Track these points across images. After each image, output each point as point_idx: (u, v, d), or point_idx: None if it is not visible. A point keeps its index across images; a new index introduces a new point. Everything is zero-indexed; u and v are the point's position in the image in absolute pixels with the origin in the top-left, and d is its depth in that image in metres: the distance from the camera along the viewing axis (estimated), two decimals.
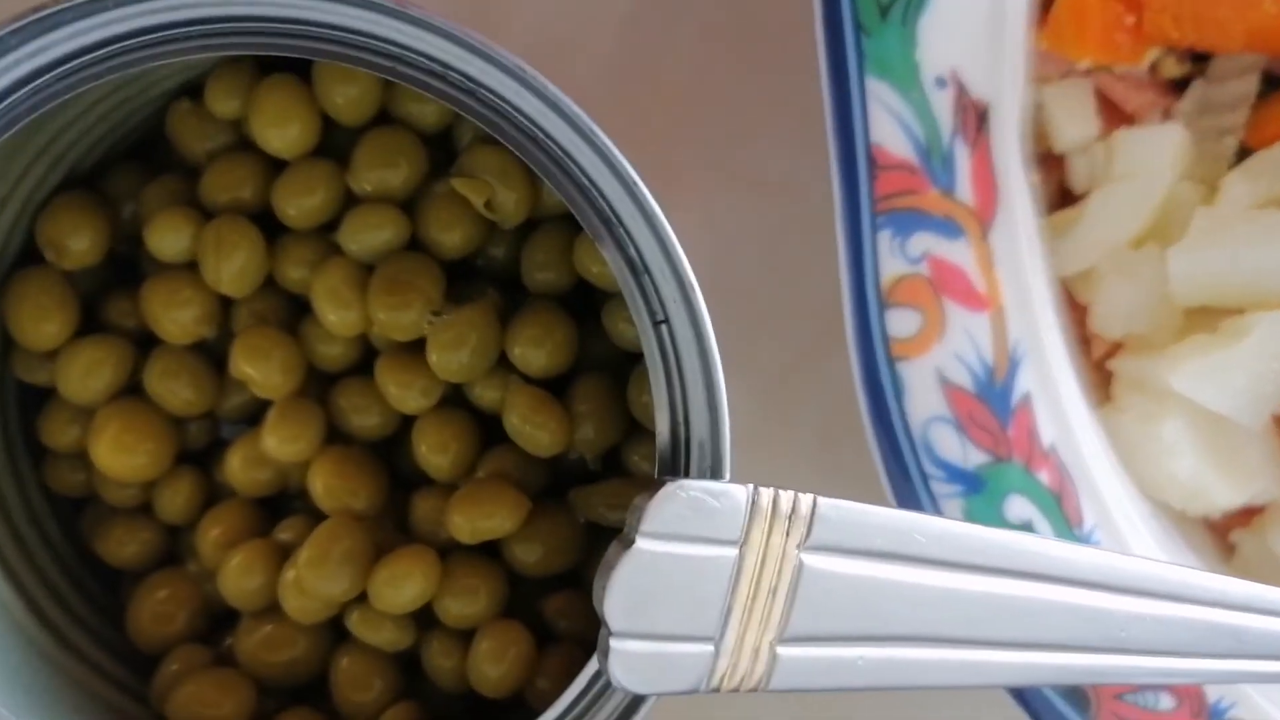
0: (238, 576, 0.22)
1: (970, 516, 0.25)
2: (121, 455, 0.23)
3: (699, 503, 0.17)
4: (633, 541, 0.16)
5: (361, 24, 0.17)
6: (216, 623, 0.23)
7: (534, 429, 0.21)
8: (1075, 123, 0.29)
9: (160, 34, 0.17)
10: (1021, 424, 0.25)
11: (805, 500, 0.18)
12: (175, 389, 0.23)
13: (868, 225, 0.24)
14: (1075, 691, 0.27)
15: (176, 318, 0.22)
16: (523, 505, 0.21)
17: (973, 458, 0.25)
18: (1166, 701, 0.27)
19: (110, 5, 0.16)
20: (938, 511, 0.25)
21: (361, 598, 0.21)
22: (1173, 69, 0.30)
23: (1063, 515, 0.26)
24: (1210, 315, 0.29)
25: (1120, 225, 0.28)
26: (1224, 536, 0.32)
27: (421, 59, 0.16)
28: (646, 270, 0.17)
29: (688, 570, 0.17)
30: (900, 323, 0.24)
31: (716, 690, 0.18)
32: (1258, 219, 0.27)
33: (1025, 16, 0.25)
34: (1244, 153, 0.29)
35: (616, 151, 0.17)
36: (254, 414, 0.23)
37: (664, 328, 0.18)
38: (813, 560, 0.18)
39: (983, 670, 0.19)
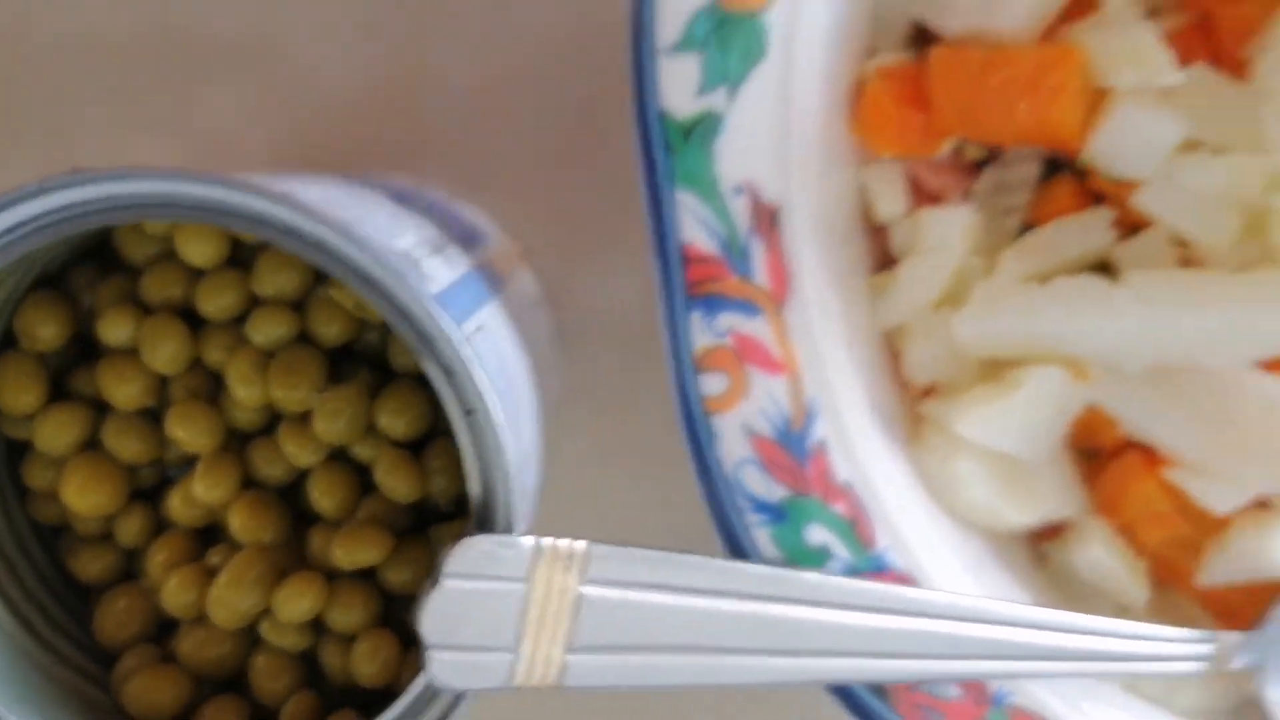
0: (177, 592, 0.28)
1: (777, 541, 0.31)
2: (86, 495, 0.29)
3: (491, 552, 0.22)
4: (439, 581, 0.22)
5: (200, 193, 0.22)
6: (162, 628, 0.29)
7: (396, 482, 0.27)
8: (888, 200, 0.35)
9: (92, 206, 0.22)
10: (817, 465, 0.31)
11: (580, 545, 0.23)
12: (126, 444, 0.29)
13: (682, 306, 0.30)
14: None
15: (125, 390, 0.28)
16: (389, 541, 0.27)
17: (776, 493, 0.31)
18: (954, 690, 0.33)
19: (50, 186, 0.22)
20: (751, 538, 0.31)
21: (270, 610, 0.27)
22: (973, 153, 0.35)
23: (856, 539, 0.31)
24: (1000, 365, 0.34)
25: (923, 290, 0.34)
26: (1038, 548, 0.38)
27: (248, 214, 0.22)
28: (453, 374, 0.23)
29: (486, 600, 0.23)
30: (711, 384, 0.30)
31: (517, 688, 0.24)
32: (1024, 291, 0.32)
33: (811, 133, 0.31)
34: (1028, 228, 0.35)
35: (425, 290, 0.22)
36: (190, 461, 0.29)
37: (472, 416, 0.23)
38: (589, 590, 0.24)
39: (735, 672, 0.25)
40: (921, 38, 0.35)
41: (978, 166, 0.35)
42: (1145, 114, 0.31)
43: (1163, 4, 0.33)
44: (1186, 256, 0.33)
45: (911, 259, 0.34)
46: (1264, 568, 0.34)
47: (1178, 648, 0.30)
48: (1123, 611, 0.36)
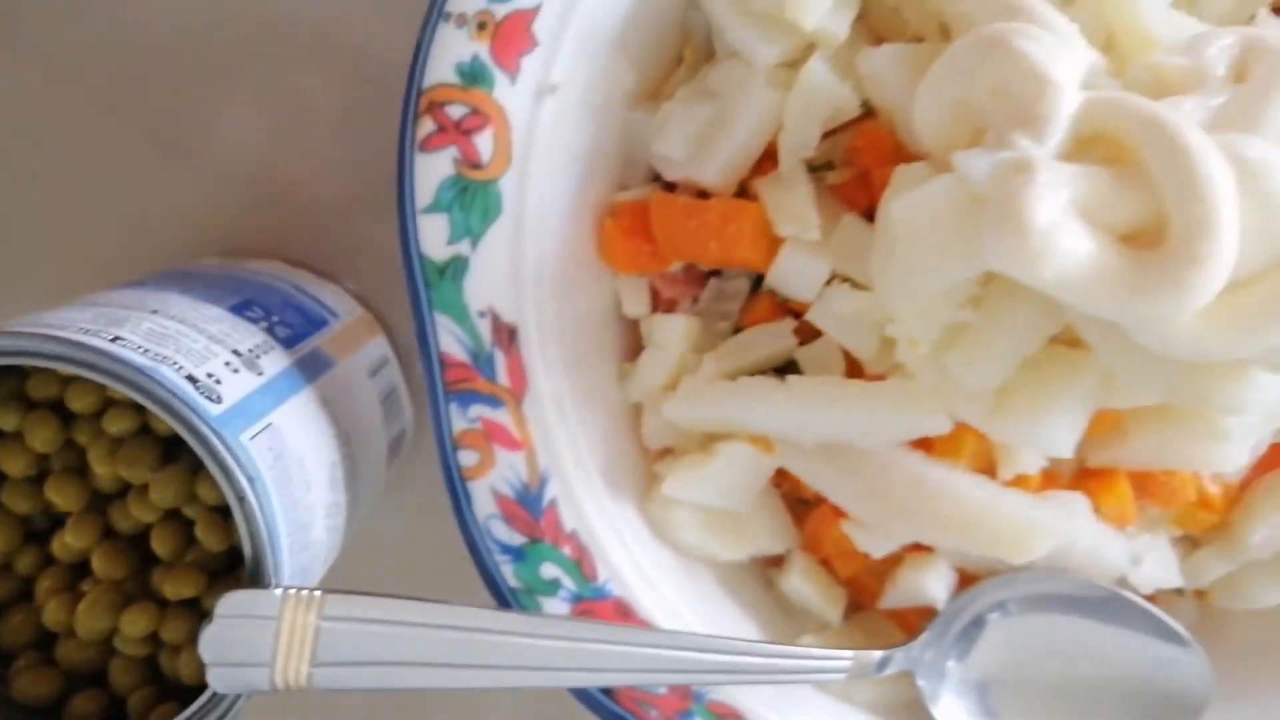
0: (55, 612, 0.38)
1: (518, 575, 0.40)
2: None
3: (250, 598, 0.32)
4: (210, 619, 0.32)
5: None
6: (47, 637, 0.39)
7: (210, 536, 0.36)
8: (633, 303, 0.44)
9: None
10: (549, 518, 0.40)
11: (317, 592, 0.33)
12: (18, 502, 0.38)
13: (443, 400, 0.39)
14: None
15: (15, 464, 0.38)
16: (204, 579, 0.36)
17: (516, 539, 0.40)
18: (662, 687, 0.42)
19: None
20: (501, 573, 0.40)
21: (119, 628, 0.37)
22: (703, 267, 0.44)
23: (581, 574, 0.41)
24: (713, 436, 0.43)
25: (654, 376, 0.43)
26: (767, 574, 0.47)
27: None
28: (227, 472, 0.32)
29: (248, 630, 0.32)
30: (466, 458, 0.39)
31: (276, 691, 0.33)
32: (717, 386, 0.41)
33: (547, 265, 0.40)
34: (739, 330, 0.44)
35: (203, 413, 0.32)
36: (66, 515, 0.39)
37: (243, 501, 0.33)
38: (325, 623, 0.33)
39: (449, 678, 0.35)
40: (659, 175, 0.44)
41: (707, 276, 0.45)
42: (802, 255, 0.40)
43: (837, 160, 0.42)
44: (854, 359, 0.42)
45: (647, 351, 0.44)
46: (921, 596, 0.43)
47: (820, 664, 0.40)
48: (824, 627, 0.46)
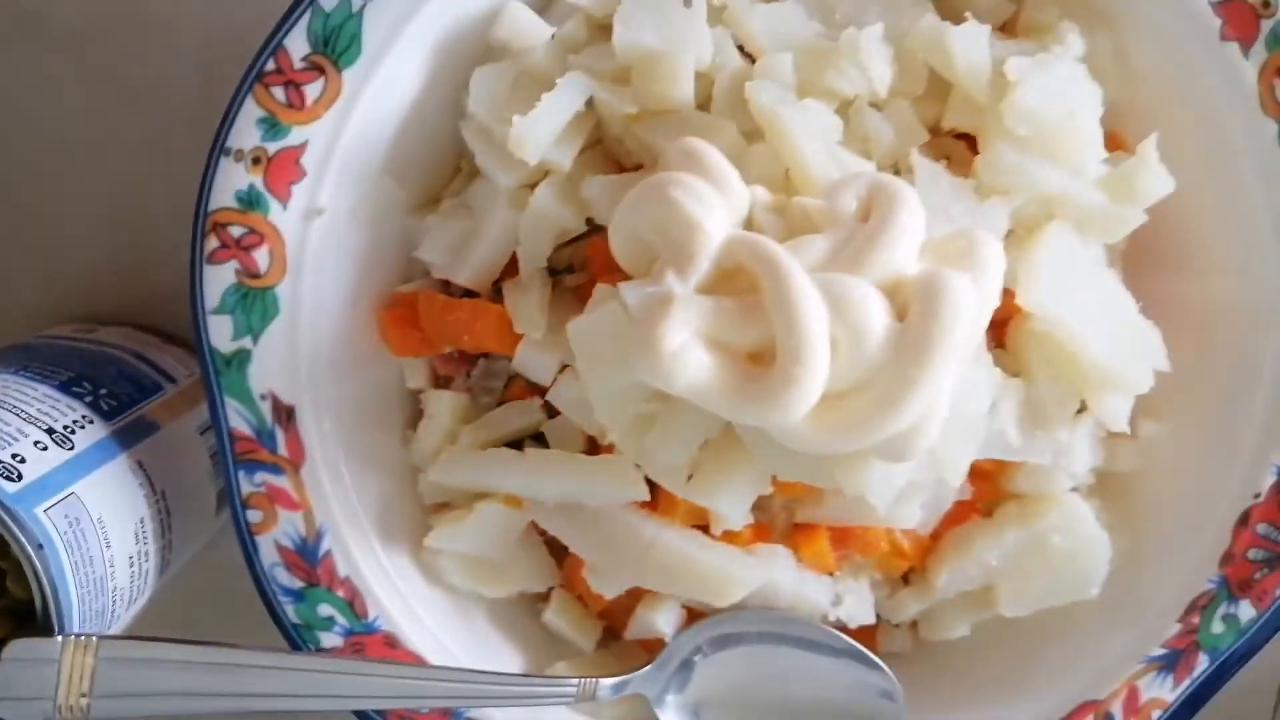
0: None
1: (298, 614, 0.48)
2: None
3: (31, 645, 0.40)
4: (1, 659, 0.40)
5: None
6: None
7: (16, 587, 0.43)
8: (414, 378, 0.51)
9: None
10: (325, 565, 0.48)
11: (95, 638, 0.40)
12: None
13: (232, 468, 0.47)
14: None
15: None
16: (11, 624, 0.44)
17: (296, 584, 0.48)
18: (425, 708, 0.50)
19: None
20: (285, 612, 0.48)
21: None
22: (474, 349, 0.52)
23: (354, 612, 0.48)
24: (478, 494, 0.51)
25: (429, 443, 0.51)
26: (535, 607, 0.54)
27: None
28: (19, 543, 0.40)
29: (33, 671, 0.40)
30: (253, 516, 0.47)
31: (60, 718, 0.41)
32: (471, 454, 0.49)
33: (324, 353, 0.47)
34: (503, 404, 0.51)
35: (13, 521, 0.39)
36: None
37: (32, 564, 0.40)
38: (102, 665, 0.41)
39: (213, 705, 0.42)
40: None
41: (478, 357, 0.52)
42: (535, 349, 0.47)
43: (576, 264, 0.49)
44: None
45: (423, 421, 0.51)
46: (653, 630, 0.51)
47: (548, 690, 0.48)
48: (578, 654, 0.53)
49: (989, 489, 0.52)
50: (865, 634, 0.54)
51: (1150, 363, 0.47)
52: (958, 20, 0.49)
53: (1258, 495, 0.50)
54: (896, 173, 0.46)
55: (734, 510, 0.45)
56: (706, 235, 0.40)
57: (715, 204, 0.41)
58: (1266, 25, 0.46)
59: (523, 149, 0.44)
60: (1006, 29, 0.50)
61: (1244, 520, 0.50)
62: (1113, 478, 0.54)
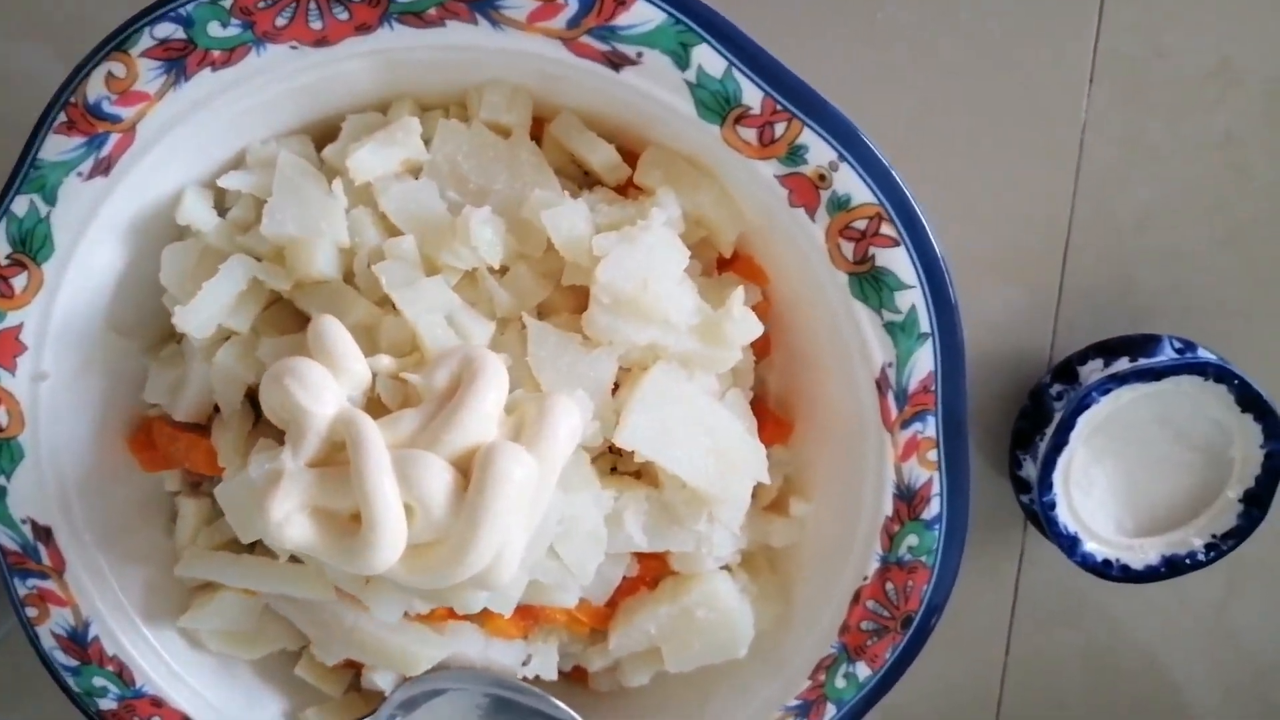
0: None
1: (78, 685, 0.59)
2: None
3: None
4: None
5: None
6: None
7: None
8: (171, 483, 0.61)
9: None
10: (95, 647, 0.59)
11: None
12: None
13: (9, 575, 0.57)
14: None
15: None
16: None
17: (73, 662, 0.59)
18: None
19: None
20: (67, 682, 0.59)
21: None
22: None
23: (123, 681, 0.60)
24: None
25: (182, 540, 0.61)
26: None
27: None
28: None
29: None
30: (31, 612, 0.58)
31: None
32: (204, 555, 0.59)
33: (68, 483, 0.57)
34: None
35: None
36: None
37: None
38: None
39: None
40: None
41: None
42: (236, 487, 0.57)
43: None
44: None
45: (178, 519, 0.61)
46: (375, 686, 0.61)
47: None
48: (326, 699, 0.64)
49: (657, 565, 0.61)
50: (580, 676, 0.65)
51: (750, 477, 0.55)
52: (585, 179, 0.56)
53: (865, 578, 0.58)
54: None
55: (389, 615, 0.54)
56: (314, 417, 0.49)
57: (326, 386, 0.49)
58: (825, 194, 0.51)
59: (187, 328, 0.52)
60: (623, 190, 0.56)
61: (856, 597, 0.58)
62: (771, 551, 0.62)
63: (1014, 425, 0.68)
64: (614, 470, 0.59)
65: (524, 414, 0.50)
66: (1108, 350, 0.66)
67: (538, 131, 0.57)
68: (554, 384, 0.52)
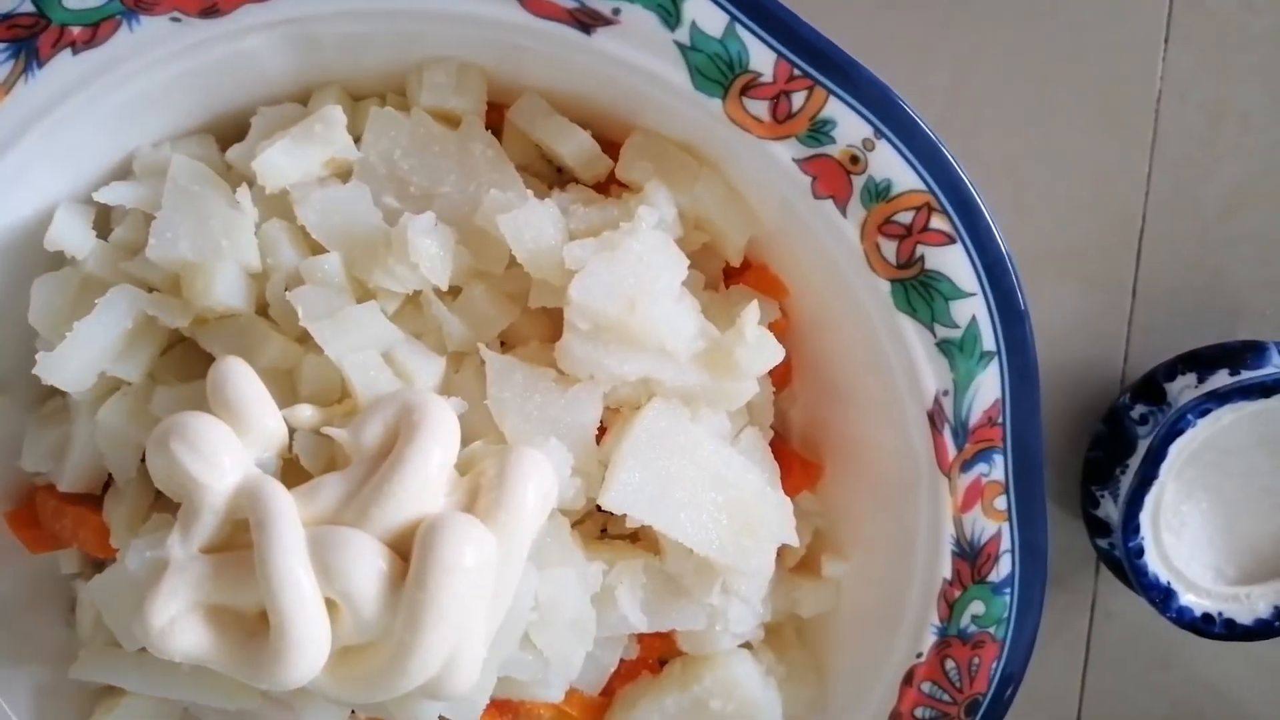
0: None
1: None
2: None
3: None
4: None
5: None
6: None
7: None
8: (68, 564, 0.50)
9: None
10: None
11: None
12: None
13: None
14: None
15: None
16: None
17: None
18: None
19: None
20: None
21: None
22: None
23: None
24: None
25: (84, 630, 0.50)
26: None
27: None
28: None
29: None
30: None
31: None
32: (105, 655, 0.48)
33: None
34: None
35: None
36: None
37: None
38: None
39: None
40: None
41: None
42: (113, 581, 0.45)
43: None
44: None
45: (77, 609, 0.50)
46: None
47: None
48: None
49: (662, 644, 0.50)
50: None
51: (773, 540, 0.44)
52: (557, 176, 0.45)
53: (920, 655, 0.46)
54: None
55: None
56: (208, 491, 0.38)
57: (226, 449, 0.38)
58: (859, 181, 0.40)
59: (55, 380, 0.42)
60: (604, 188, 0.45)
61: (909, 679, 0.47)
62: (800, 621, 0.51)
63: (1086, 455, 0.57)
64: (604, 533, 0.48)
65: (481, 475, 0.39)
66: (1200, 362, 0.54)
67: (495, 120, 0.46)
68: (521, 433, 0.41)
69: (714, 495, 0.43)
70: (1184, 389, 0.53)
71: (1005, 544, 0.45)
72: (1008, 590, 0.45)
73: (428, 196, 0.43)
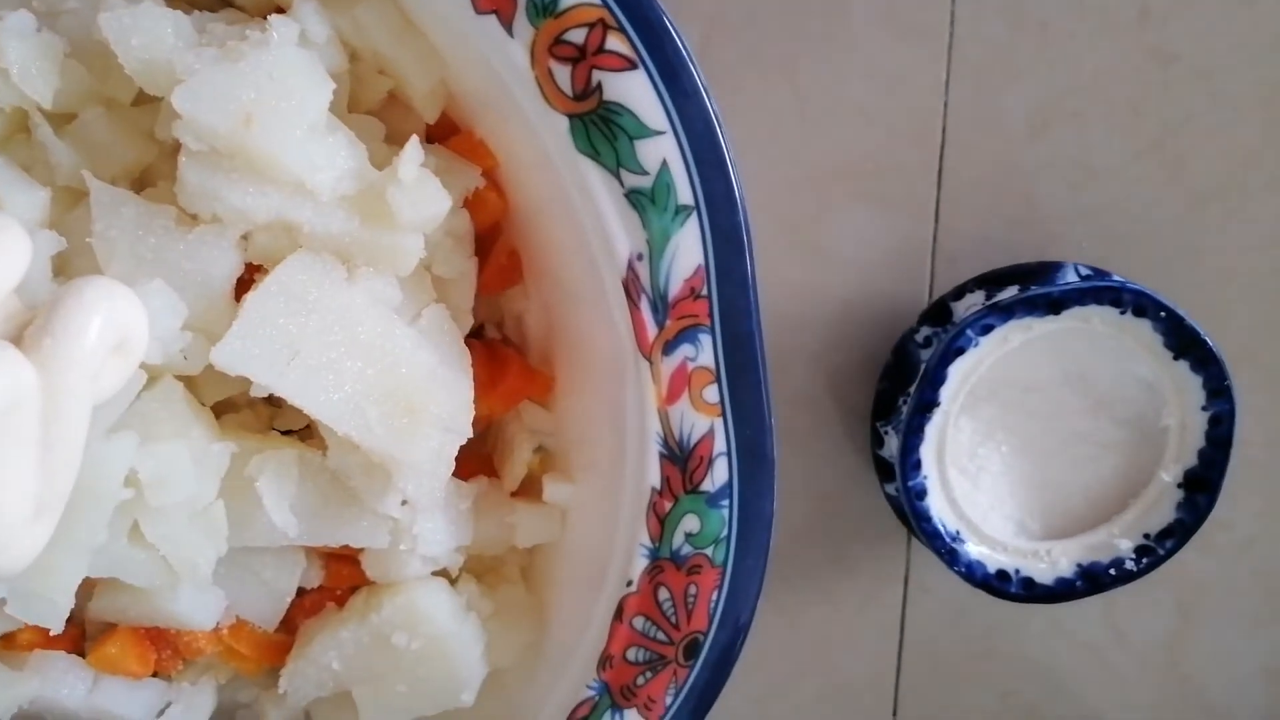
0: None
1: None
2: None
3: None
4: None
5: None
6: None
7: None
8: None
9: None
10: None
11: None
12: None
13: None
14: None
15: None
16: None
17: None
18: None
19: None
20: None
21: None
22: None
23: None
24: None
25: None
26: None
27: None
28: None
29: None
30: None
31: None
32: None
33: None
34: None
35: None
36: None
37: None
38: None
39: None
40: None
41: None
42: None
43: None
44: None
45: None
46: None
47: None
48: None
49: (352, 571, 0.43)
50: None
51: (443, 428, 0.37)
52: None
53: (630, 583, 0.40)
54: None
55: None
56: None
57: None
58: None
59: None
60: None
61: (619, 613, 0.40)
62: (523, 555, 0.44)
63: (876, 390, 0.51)
64: (272, 431, 0.41)
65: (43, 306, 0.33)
66: (992, 281, 0.49)
67: None
68: (131, 280, 0.35)
69: (361, 366, 0.36)
70: (971, 307, 0.47)
71: (720, 445, 0.38)
72: (725, 503, 0.39)
73: (52, 14, 0.38)
